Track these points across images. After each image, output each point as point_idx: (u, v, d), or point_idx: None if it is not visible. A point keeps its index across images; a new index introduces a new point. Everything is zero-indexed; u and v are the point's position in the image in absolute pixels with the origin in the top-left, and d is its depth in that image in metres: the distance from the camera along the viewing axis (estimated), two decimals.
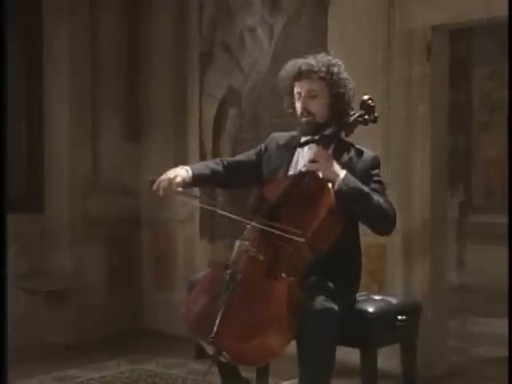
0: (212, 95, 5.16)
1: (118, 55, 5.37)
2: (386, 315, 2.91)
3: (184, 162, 5.22)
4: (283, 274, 2.64)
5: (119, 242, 5.35)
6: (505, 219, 6.95)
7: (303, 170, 2.86)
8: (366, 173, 2.85)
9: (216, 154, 5.16)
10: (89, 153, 5.20)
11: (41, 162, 5.18)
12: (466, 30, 6.51)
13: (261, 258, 2.71)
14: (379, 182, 2.86)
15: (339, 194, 2.74)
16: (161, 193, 2.95)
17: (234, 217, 2.84)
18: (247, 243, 2.76)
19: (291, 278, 2.65)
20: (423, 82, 4.21)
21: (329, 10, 4.51)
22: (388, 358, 3.06)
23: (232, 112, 5.09)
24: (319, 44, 4.44)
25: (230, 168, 3.11)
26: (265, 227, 2.71)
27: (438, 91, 4.30)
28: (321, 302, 2.63)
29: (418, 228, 4.26)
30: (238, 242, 2.79)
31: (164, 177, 2.95)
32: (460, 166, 7.33)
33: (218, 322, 2.51)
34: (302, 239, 2.61)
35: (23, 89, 5.13)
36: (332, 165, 2.78)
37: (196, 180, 3.04)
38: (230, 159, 3.20)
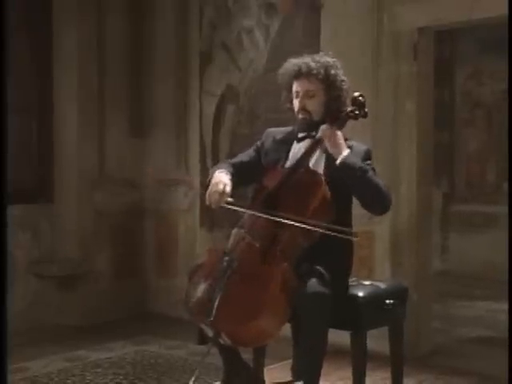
0: (211, 93, 5.13)
1: (123, 56, 5.33)
2: (375, 299, 2.89)
3: (185, 157, 5.29)
4: (278, 260, 2.62)
5: (124, 231, 5.32)
6: (484, 208, 7.03)
7: (299, 158, 2.82)
8: None
9: (215, 148, 5.13)
10: (96, 148, 5.17)
11: (51, 157, 5.15)
12: (449, 32, 6.47)
13: (257, 244, 2.68)
14: (373, 170, 2.82)
15: (341, 169, 2.70)
16: (214, 207, 2.79)
17: (237, 208, 2.79)
18: (244, 231, 2.73)
19: (285, 263, 2.63)
20: (410, 80, 4.18)
21: (321, 12, 4.48)
22: (377, 340, 3.03)
23: (230, 108, 5.05)
24: (313, 44, 4.41)
25: (237, 169, 2.98)
26: (261, 214, 2.69)
27: (424, 89, 4.28)
28: (313, 286, 2.60)
29: (405, 217, 4.24)
30: (235, 230, 2.76)
31: (212, 190, 2.78)
32: (444, 159, 7.30)
33: (216, 306, 2.50)
34: (298, 224, 2.58)
35: (34, 88, 5.08)
36: (339, 140, 2.74)
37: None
38: (235, 161, 3.05)
